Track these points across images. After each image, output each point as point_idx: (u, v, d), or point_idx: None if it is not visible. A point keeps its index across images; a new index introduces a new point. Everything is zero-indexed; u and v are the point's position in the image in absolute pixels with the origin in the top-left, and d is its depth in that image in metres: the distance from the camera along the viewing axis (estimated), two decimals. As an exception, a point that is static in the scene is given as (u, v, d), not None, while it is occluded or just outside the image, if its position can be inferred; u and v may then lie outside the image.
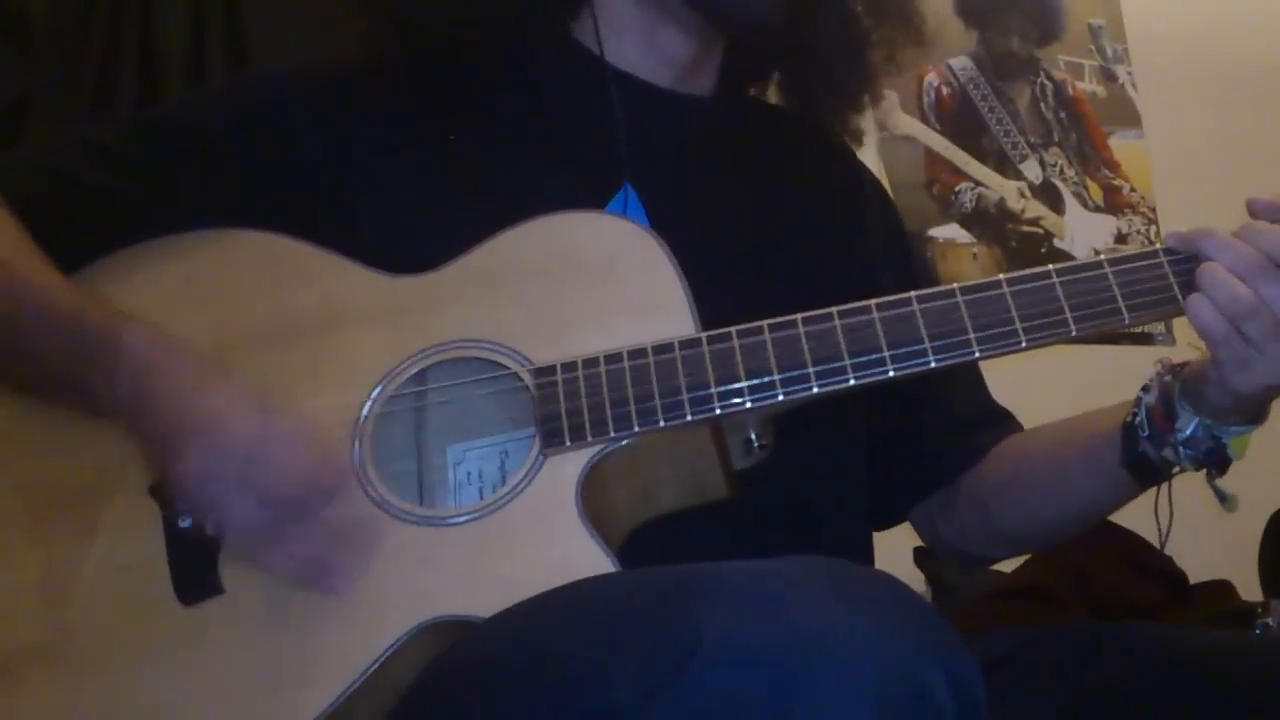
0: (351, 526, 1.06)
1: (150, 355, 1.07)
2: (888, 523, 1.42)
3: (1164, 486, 1.25)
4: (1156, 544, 1.38)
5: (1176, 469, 1.17)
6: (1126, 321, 1.08)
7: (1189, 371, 1.14)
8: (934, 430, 1.37)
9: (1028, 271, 1.10)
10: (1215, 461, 1.13)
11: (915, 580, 2.27)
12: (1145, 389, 1.18)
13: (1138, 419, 1.17)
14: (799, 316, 1.10)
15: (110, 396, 1.07)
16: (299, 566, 1.05)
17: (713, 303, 1.12)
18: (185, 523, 1.10)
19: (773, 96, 1.48)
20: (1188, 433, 1.13)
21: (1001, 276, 1.10)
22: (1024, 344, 1.08)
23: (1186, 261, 1.09)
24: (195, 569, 1.08)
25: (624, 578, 1.01)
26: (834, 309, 1.09)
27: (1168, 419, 1.14)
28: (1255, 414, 1.13)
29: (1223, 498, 1.15)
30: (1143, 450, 1.17)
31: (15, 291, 1.12)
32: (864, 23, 1.39)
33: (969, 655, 0.81)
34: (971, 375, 1.41)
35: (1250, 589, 2.33)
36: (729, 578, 0.83)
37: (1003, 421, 1.40)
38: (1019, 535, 1.37)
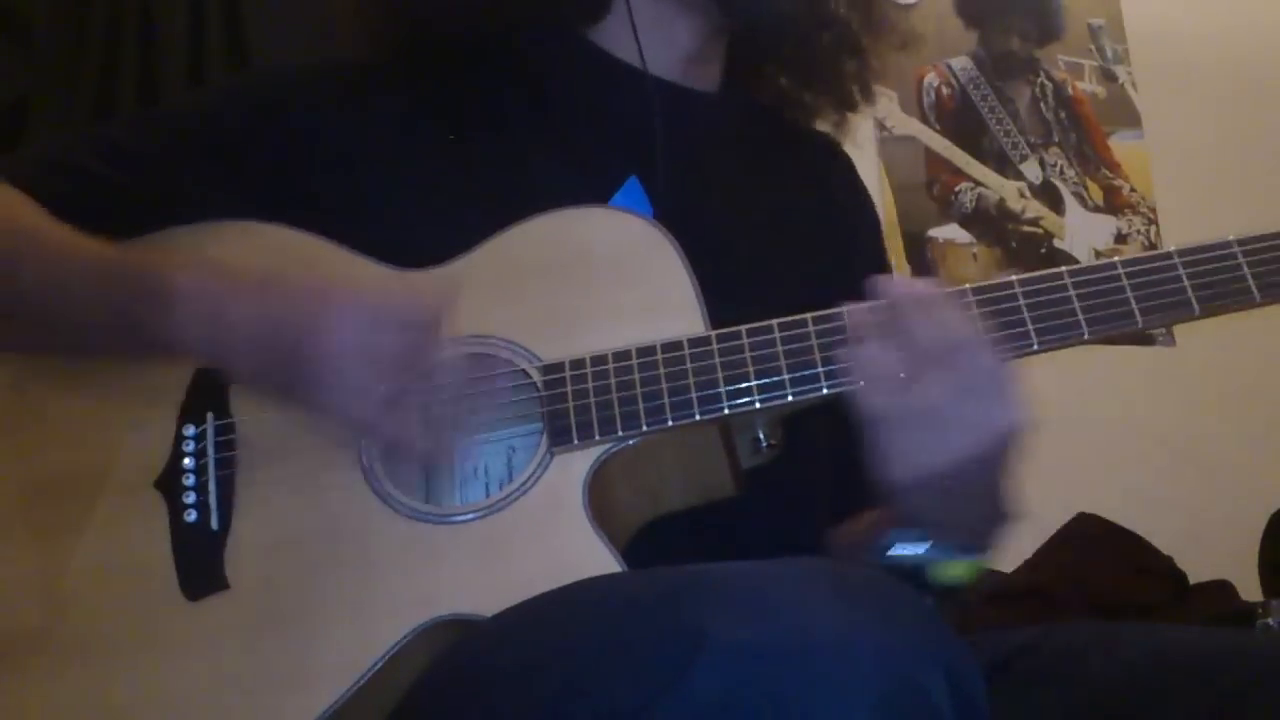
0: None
1: (209, 284, 1.08)
2: None
3: None
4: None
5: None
6: (1140, 325, 1.08)
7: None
8: None
9: (1040, 273, 1.09)
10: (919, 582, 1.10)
11: (916, 580, 2.28)
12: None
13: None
14: (809, 315, 1.09)
15: (180, 335, 1.07)
16: (443, 415, 1.06)
17: (719, 296, 1.12)
18: (191, 517, 1.10)
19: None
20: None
21: (1014, 277, 1.09)
22: (1036, 346, 1.07)
23: (1203, 264, 1.08)
24: (200, 564, 1.08)
25: (625, 578, 1.01)
26: (844, 308, 1.09)
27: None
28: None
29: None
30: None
31: (60, 252, 1.13)
32: (851, 24, 1.40)
33: (969, 657, 0.81)
34: None
35: (1250, 589, 2.34)
36: (730, 579, 0.83)
37: None
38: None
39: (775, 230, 1.33)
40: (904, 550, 1.10)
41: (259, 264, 1.12)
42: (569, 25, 1.31)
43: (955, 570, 1.10)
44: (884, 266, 1.48)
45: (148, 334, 1.09)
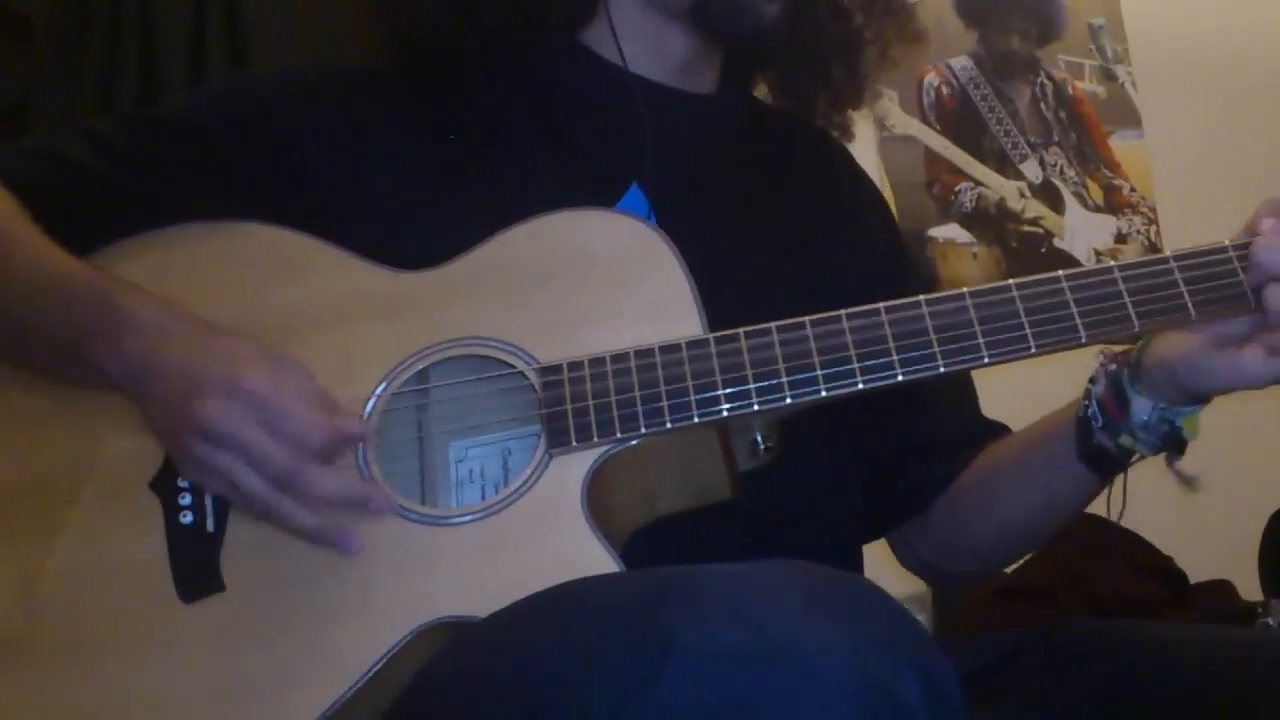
0: (364, 487, 1.06)
1: (160, 320, 1.08)
2: (865, 541, 1.42)
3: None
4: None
5: (1136, 456, 1.16)
6: (1137, 329, 1.08)
7: (1149, 360, 1.14)
8: (911, 459, 1.37)
9: (1037, 277, 1.10)
10: (1173, 445, 1.14)
11: (915, 580, 2.28)
12: (1093, 380, 1.18)
13: (1090, 410, 1.17)
14: (807, 319, 1.09)
15: (118, 364, 1.08)
16: (317, 524, 1.04)
17: (719, 302, 1.12)
18: (186, 519, 1.10)
19: (760, 92, 1.48)
20: (1144, 418, 1.13)
21: (1011, 281, 1.09)
22: (1034, 349, 1.07)
23: (1197, 268, 1.08)
24: (196, 566, 1.08)
25: (606, 580, 1.00)
26: (842, 311, 1.09)
27: (1120, 407, 1.15)
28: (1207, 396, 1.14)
29: (1186, 481, 1.16)
30: (1098, 442, 1.17)
31: (18, 260, 1.13)
32: (856, 19, 1.39)
33: (944, 659, 0.80)
34: (960, 394, 1.41)
35: (1250, 589, 2.33)
36: (703, 582, 0.83)
37: (982, 440, 1.38)
38: (988, 544, 1.36)
39: (776, 230, 1.32)
40: (1169, 415, 1.13)
41: (222, 308, 1.13)
42: (554, 29, 1.30)
43: (1196, 422, 1.14)
44: (899, 244, 1.49)
45: (98, 368, 1.09)
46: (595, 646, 0.83)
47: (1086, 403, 1.18)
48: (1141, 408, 1.13)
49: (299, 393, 1.05)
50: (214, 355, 1.05)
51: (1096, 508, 1.30)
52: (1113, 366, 1.16)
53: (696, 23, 1.28)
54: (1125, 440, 1.15)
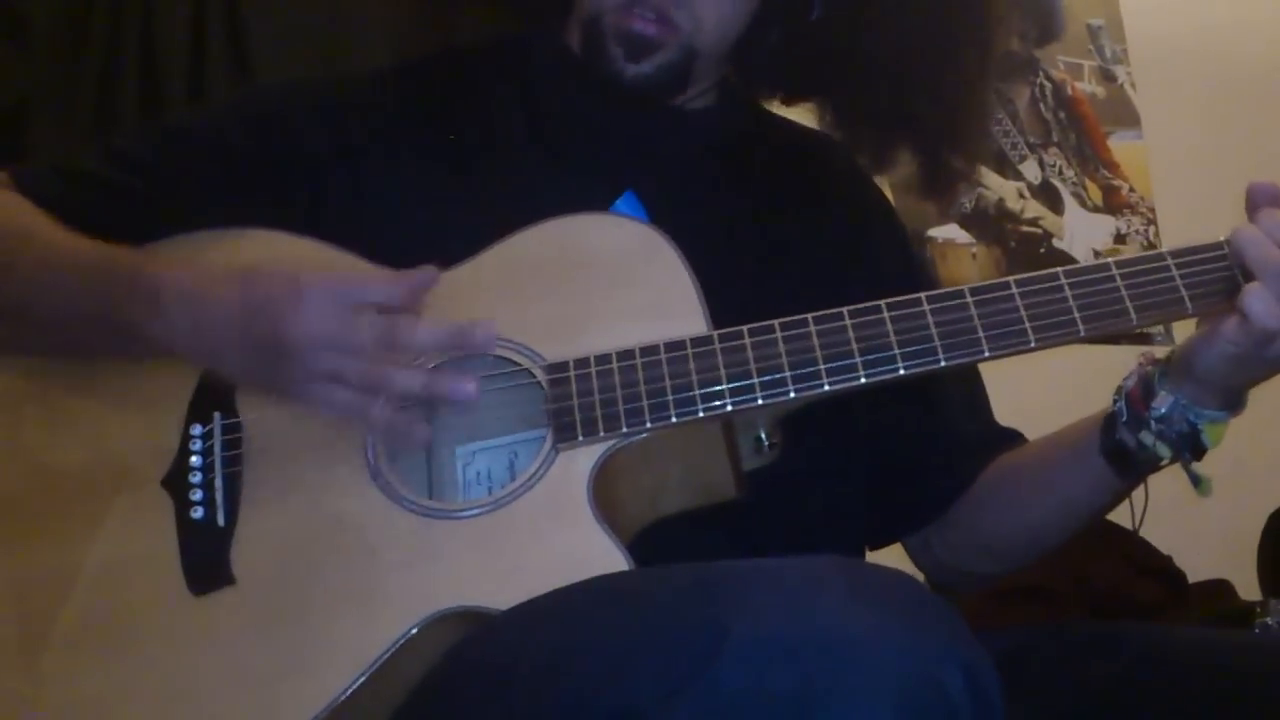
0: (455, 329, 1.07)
1: (194, 282, 1.09)
2: (882, 544, 1.42)
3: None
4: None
5: (1163, 462, 1.16)
6: (1135, 322, 1.09)
7: (1176, 353, 1.14)
8: (928, 464, 1.37)
9: (1037, 274, 1.11)
10: (1190, 446, 1.14)
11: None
12: (1127, 377, 1.19)
13: (1118, 405, 1.18)
14: (810, 316, 1.10)
15: (163, 328, 1.08)
16: (425, 380, 1.05)
17: (714, 306, 1.13)
18: (198, 514, 1.11)
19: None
20: (1163, 410, 1.13)
21: (1011, 278, 1.11)
22: (1033, 344, 1.09)
23: (1193, 264, 1.09)
24: (207, 559, 1.09)
25: (645, 575, 1.01)
26: (844, 308, 1.10)
27: (1145, 400, 1.15)
28: (1234, 402, 1.13)
29: (1196, 481, 1.16)
30: (1120, 437, 1.17)
31: (54, 253, 1.14)
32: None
33: (985, 654, 0.82)
34: (974, 400, 1.41)
35: (1250, 589, 2.34)
36: (753, 575, 0.84)
37: (999, 444, 1.39)
38: (1008, 544, 1.36)
39: (772, 241, 1.34)
40: (1190, 414, 1.13)
41: (247, 261, 1.13)
42: (530, 21, 1.32)
43: (1220, 432, 1.13)
44: (905, 247, 1.50)
45: (139, 334, 1.10)
46: (644, 637, 0.84)
47: (1116, 397, 1.18)
48: (1163, 400, 1.13)
49: (358, 274, 1.07)
50: (262, 283, 1.06)
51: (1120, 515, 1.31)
52: (1148, 367, 1.17)
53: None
54: (1145, 437, 1.15)
